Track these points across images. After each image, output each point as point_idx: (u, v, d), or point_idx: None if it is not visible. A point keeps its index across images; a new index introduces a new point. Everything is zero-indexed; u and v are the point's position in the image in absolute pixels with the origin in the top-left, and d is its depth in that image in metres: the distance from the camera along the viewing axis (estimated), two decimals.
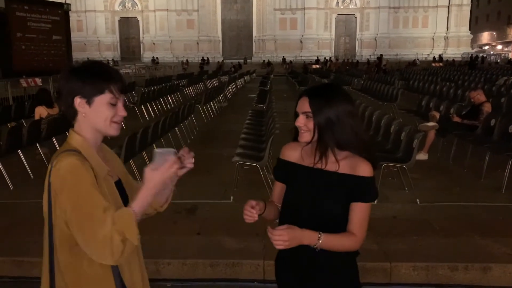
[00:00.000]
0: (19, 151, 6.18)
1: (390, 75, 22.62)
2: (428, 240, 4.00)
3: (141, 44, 60.44)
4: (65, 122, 7.46)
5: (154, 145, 6.18)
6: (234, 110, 13.52)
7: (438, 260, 3.65)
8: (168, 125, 7.18)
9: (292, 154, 1.81)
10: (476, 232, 4.17)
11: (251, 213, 1.71)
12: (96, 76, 1.44)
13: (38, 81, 15.33)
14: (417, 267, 3.58)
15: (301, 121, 1.68)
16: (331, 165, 1.68)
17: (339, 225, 1.67)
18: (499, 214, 4.70)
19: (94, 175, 1.42)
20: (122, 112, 1.49)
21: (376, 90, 14.26)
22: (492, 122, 6.52)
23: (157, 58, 51.33)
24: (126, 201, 1.54)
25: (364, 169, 1.65)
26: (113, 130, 1.49)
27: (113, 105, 1.46)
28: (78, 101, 1.45)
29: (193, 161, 1.49)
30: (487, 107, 7.00)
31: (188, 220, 4.51)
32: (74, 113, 1.48)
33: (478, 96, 7.19)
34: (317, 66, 39.86)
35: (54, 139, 7.10)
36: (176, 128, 7.98)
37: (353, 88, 16.91)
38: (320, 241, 1.60)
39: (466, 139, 6.76)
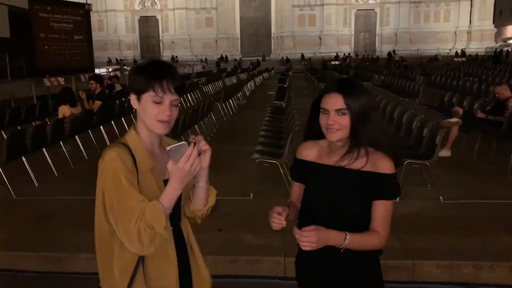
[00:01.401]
0: (44, 149, 6.32)
1: (411, 70, 22.26)
2: (451, 238, 3.92)
3: (161, 43, 61.03)
4: (87, 120, 7.60)
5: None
6: (253, 107, 13.53)
7: (462, 258, 3.57)
8: (188, 123, 7.23)
9: (309, 153, 1.78)
10: (502, 230, 4.07)
11: (279, 220, 1.64)
12: (145, 73, 1.49)
13: (61, 80, 15.63)
14: (440, 265, 3.51)
15: (333, 119, 1.62)
16: (355, 163, 1.65)
17: (361, 224, 1.64)
18: None
19: (134, 168, 1.47)
20: (165, 111, 1.48)
21: (397, 85, 14.06)
22: None
23: (176, 56, 51.77)
24: (179, 200, 1.55)
25: (386, 166, 1.61)
26: (158, 128, 1.51)
27: (159, 103, 1.48)
28: (132, 97, 1.53)
29: (205, 143, 1.49)
30: None
31: (209, 216, 4.54)
32: (134, 108, 1.55)
33: (503, 91, 7.00)
34: (336, 62, 39.55)
35: (77, 137, 7.24)
36: (195, 126, 8.04)
37: (374, 84, 16.71)
38: (347, 241, 1.57)
39: (490, 135, 6.60)
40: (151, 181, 1.51)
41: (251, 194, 5.17)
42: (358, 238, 1.59)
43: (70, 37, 24.24)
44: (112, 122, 8.64)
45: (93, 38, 28.01)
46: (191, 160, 1.42)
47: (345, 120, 1.61)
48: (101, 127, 8.04)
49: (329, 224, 1.59)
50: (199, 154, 1.46)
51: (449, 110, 7.65)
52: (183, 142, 1.44)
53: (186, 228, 1.71)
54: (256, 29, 60.78)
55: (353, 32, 59.39)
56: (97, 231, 1.54)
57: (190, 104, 14.22)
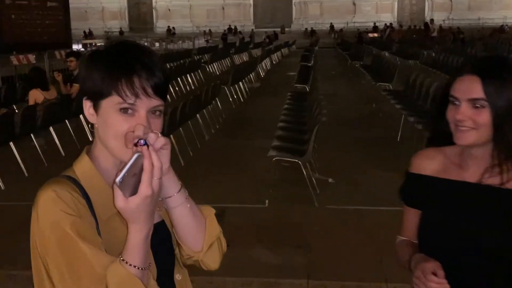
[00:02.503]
0: (11, 143, 6.43)
1: (470, 45, 21.98)
2: None
3: (154, 11, 61.21)
4: (64, 108, 7.71)
5: (171, 137, 6.28)
6: (269, 92, 13.54)
7: None
8: (188, 112, 7.28)
9: (429, 164, 1.55)
10: None
11: (441, 285, 1.35)
12: (103, 66, 1.19)
13: (31, 58, 15.82)
14: None
15: (465, 112, 1.38)
16: (507, 181, 1.42)
17: None
18: None
19: (90, 213, 1.20)
20: (139, 130, 1.14)
21: (451, 65, 13.91)
22: None
23: (173, 27, 51.83)
24: (164, 238, 1.34)
25: None
26: (127, 154, 1.14)
27: (128, 114, 1.17)
28: (86, 105, 1.24)
29: (157, 135, 1.14)
30: None
31: None
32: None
33: None
34: (375, 34, 39.17)
35: (51, 128, 7.35)
36: (197, 115, 8.09)
37: (422, 63, 16.57)
38: None
39: None
40: (121, 231, 1.19)
41: (266, 201, 5.21)
42: None
43: (42, 3, 24.45)
44: None
45: (71, 5, 28.22)
46: (151, 173, 1.10)
47: (483, 116, 1.38)
48: (81, 116, 8.14)
49: (470, 270, 1.44)
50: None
51: None
52: (135, 155, 1.10)
53: (185, 281, 1.42)
54: None
55: None
56: None
57: (190, 88, 14.29)
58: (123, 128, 1.16)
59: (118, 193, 1.08)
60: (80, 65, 1.30)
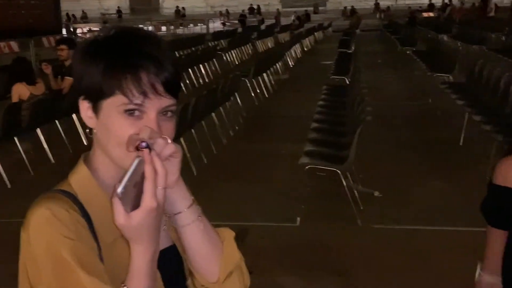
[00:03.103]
0: None
1: None
2: None
3: None
4: (54, 106, 7.81)
5: (182, 140, 6.33)
6: (299, 85, 13.54)
7: None
8: (202, 110, 7.32)
9: None
10: None
11: None
12: (103, 58, 1.19)
13: (15, 46, 16.10)
14: None
15: None
16: None
17: None
18: None
19: (90, 235, 1.21)
20: (144, 133, 1.14)
21: None
22: None
23: (183, 8, 52.16)
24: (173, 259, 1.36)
25: None
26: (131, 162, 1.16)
27: (136, 116, 1.18)
28: (82, 106, 1.25)
29: (166, 140, 1.16)
30: None
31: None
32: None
33: None
34: (430, 14, 38.78)
35: (38, 130, 7.46)
36: (213, 114, 8.14)
37: (489, 49, 16.36)
38: None
39: None
40: (121, 256, 1.22)
41: (298, 219, 5.20)
42: None
43: None
44: None
45: None
46: (154, 182, 1.11)
47: None
48: (75, 115, 8.26)
49: None
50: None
51: None
52: (136, 160, 1.11)
53: None
54: None
55: None
56: None
57: (204, 81, 14.37)
58: (128, 133, 1.16)
59: (119, 208, 1.08)
60: (74, 57, 1.26)
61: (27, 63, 8.30)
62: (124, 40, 1.21)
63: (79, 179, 1.28)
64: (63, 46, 8.59)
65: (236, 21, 39.22)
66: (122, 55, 1.18)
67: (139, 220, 1.10)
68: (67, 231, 1.16)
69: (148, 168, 1.10)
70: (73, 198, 1.23)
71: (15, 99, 7.57)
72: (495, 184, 1.58)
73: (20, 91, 7.61)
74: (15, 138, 7.03)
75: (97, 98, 1.20)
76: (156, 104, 1.17)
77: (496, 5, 38.83)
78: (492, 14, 34.55)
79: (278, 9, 46.24)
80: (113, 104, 1.18)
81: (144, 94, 1.16)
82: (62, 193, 1.23)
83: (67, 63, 8.56)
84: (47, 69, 8.55)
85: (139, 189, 1.10)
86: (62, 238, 1.15)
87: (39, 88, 7.86)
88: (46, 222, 1.17)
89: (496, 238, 1.60)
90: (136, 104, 1.16)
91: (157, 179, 1.11)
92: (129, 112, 1.17)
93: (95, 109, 1.21)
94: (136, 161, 1.09)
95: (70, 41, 9.52)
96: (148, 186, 1.09)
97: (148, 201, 1.09)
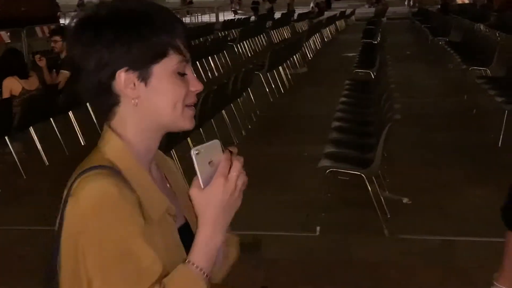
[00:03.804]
0: None
1: None
2: None
3: None
4: (48, 102, 7.84)
5: (189, 140, 6.35)
6: (319, 80, 13.54)
7: None
8: (211, 108, 7.32)
9: None
10: None
11: None
12: (149, 27, 1.37)
13: (5, 36, 16.18)
14: None
15: None
16: None
17: None
18: None
19: (141, 212, 1.34)
20: (197, 86, 1.44)
21: None
22: None
23: None
24: None
25: None
26: (188, 120, 1.44)
27: (182, 74, 1.41)
28: (124, 78, 1.37)
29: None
30: None
31: (248, 263, 4.60)
32: (112, 101, 1.41)
33: None
34: (466, 0, 38.58)
35: (31, 129, 7.48)
36: (223, 112, 8.14)
37: None
38: None
39: None
40: (168, 234, 1.42)
41: (317, 228, 5.19)
42: None
43: None
44: (88, 105, 8.88)
45: None
46: (237, 173, 1.36)
47: None
48: (71, 112, 8.28)
49: None
50: None
51: None
52: (216, 140, 1.41)
53: None
54: None
55: None
56: None
57: (213, 75, 14.41)
58: (182, 93, 1.40)
59: (196, 182, 1.34)
60: (89, 35, 1.37)
61: (19, 55, 8.35)
62: (153, 6, 1.42)
63: (116, 152, 1.41)
64: (57, 37, 8.64)
65: (249, 9, 39.26)
66: (166, 18, 1.41)
67: (208, 198, 1.34)
68: (128, 205, 1.31)
69: (227, 158, 1.37)
70: (119, 174, 1.36)
71: (6, 94, 7.63)
72: None
73: (12, 85, 7.67)
74: (6, 138, 7.04)
75: (146, 64, 1.37)
76: (189, 62, 1.44)
77: None
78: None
79: None
80: (167, 65, 1.39)
81: (188, 54, 1.42)
82: (108, 168, 1.35)
83: (63, 55, 8.59)
84: (41, 62, 8.59)
85: (214, 170, 1.35)
86: (127, 211, 1.31)
87: (32, 83, 7.91)
88: (114, 197, 1.30)
89: None
90: (185, 63, 1.41)
91: (224, 172, 1.35)
92: (180, 73, 1.40)
93: (143, 77, 1.38)
94: (217, 146, 1.39)
95: (65, 31, 9.55)
96: (221, 176, 1.34)
97: (217, 183, 1.34)
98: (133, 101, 1.39)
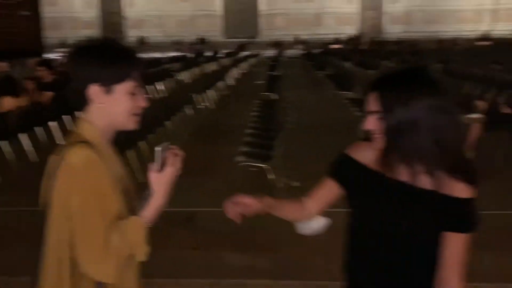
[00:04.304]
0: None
1: (425, 57, 22.51)
2: (474, 258, 3.99)
3: (125, 21, 60.56)
4: (35, 114, 7.54)
5: (145, 142, 6.22)
6: (237, 100, 13.57)
7: (485, 279, 3.65)
8: (159, 119, 7.21)
9: (365, 155, 1.66)
10: None
11: (232, 211, 1.77)
12: (118, 59, 1.51)
13: (5, 65, 15.45)
14: None
15: (371, 123, 1.56)
16: (417, 180, 1.54)
17: (429, 259, 1.58)
18: None
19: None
20: (143, 103, 1.57)
21: None
22: None
23: (144, 37, 51.44)
24: None
25: (457, 188, 1.52)
26: (132, 124, 1.57)
27: (133, 94, 1.54)
28: (95, 90, 1.51)
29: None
30: None
31: (184, 232, 4.55)
32: (85, 102, 1.54)
33: None
34: (338, 46, 39.68)
35: (23, 135, 7.16)
36: (167, 122, 8.02)
37: (380, 73, 16.81)
38: None
39: None
40: (115, 196, 1.52)
41: (240, 216, 5.16)
42: None
43: (12, 12, 23.92)
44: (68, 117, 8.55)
45: (44, 15, 27.72)
46: (178, 164, 1.53)
47: (383, 125, 1.55)
48: (52, 123, 7.97)
49: (384, 250, 1.60)
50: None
51: (470, 105, 7.77)
52: (166, 143, 1.54)
53: None
54: (242, 6, 60.74)
55: (357, 10, 59.75)
56: (51, 256, 1.51)
57: (161, 95, 14.19)
58: (131, 106, 1.53)
59: (155, 167, 1.49)
60: (80, 58, 1.53)
61: (13, 80, 8.04)
62: (121, 46, 1.56)
63: (91, 134, 1.51)
64: (42, 68, 8.45)
65: (188, 48, 38.92)
66: (130, 55, 1.54)
67: (161, 179, 1.50)
68: (104, 168, 1.46)
69: (172, 154, 1.52)
70: (93, 148, 1.48)
71: (2, 109, 7.35)
72: (343, 153, 1.79)
73: (7, 102, 7.40)
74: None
75: (113, 83, 1.50)
76: (141, 87, 1.57)
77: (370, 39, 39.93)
78: (364, 47, 35.27)
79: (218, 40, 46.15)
80: (124, 87, 1.51)
81: (141, 82, 1.56)
82: (87, 144, 1.47)
83: (46, 80, 8.38)
84: (30, 85, 8.36)
85: (165, 161, 1.51)
86: (105, 171, 1.46)
87: (23, 100, 7.66)
88: (97, 161, 1.44)
89: (327, 187, 1.86)
90: (138, 87, 1.54)
91: (175, 162, 1.53)
92: (133, 93, 1.53)
93: (107, 91, 1.51)
94: (167, 147, 1.51)
95: (49, 62, 9.33)
96: (170, 167, 1.51)
97: (169, 171, 1.51)
98: (99, 105, 1.52)
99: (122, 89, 1.52)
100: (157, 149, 1.50)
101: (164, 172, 1.50)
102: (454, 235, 1.55)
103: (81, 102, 1.55)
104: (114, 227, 1.44)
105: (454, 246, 1.56)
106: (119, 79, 1.50)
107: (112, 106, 1.53)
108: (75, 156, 1.43)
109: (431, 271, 1.59)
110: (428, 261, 1.58)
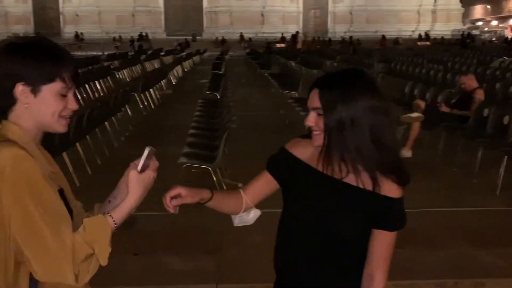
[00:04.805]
0: None
1: (368, 56, 23.17)
2: (412, 253, 4.15)
3: (61, 16, 58.63)
4: None
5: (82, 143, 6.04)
6: (180, 99, 13.43)
7: (424, 276, 3.80)
8: (96, 119, 7.03)
9: (303, 151, 1.73)
10: (467, 242, 4.38)
11: (167, 205, 1.76)
12: (46, 59, 1.44)
13: None
14: (399, 285, 3.70)
15: (311, 120, 1.61)
16: (350, 178, 1.61)
17: (353, 253, 1.65)
18: (494, 220, 4.94)
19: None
20: (73, 105, 1.50)
21: None
22: (485, 112, 6.84)
23: (81, 33, 50.04)
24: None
25: (390, 188, 1.60)
26: (61, 126, 1.50)
27: (63, 96, 1.47)
28: (21, 89, 1.43)
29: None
30: (480, 95, 7.33)
31: (123, 237, 4.45)
32: (11, 102, 1.45)
33: (469, 81, 7.51)
34: (282, 44, 40.13)
35: None
36: (106, 123, 7.83)
37: (325, 72, 17.14)
38: None
39: (456, 133, 7.05)
40: (54, 188, 1.45)
41: (177, 208, 5.11)
42: None
43: None
44: None
45: None
46: (154, 168, 1.56)
47: (322, 122, 1.60)
48: None
49: (314, 245, 1.66)
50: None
51: (410, 103, 8.07)
52: (153, 150, 1.56)
53: None
54: (185, 2, 60.25)
55: (301, 9, 60.67)
56: None
57: (99, 94, 13.80)
58: (60, 107, 1.47)
59: (137, 166, 1.51)
60: (4, 56, 1.46)
61: None
62: (51, 44, 1.49)
63: (15, 134, 1.44)
64: None
65: (128, 45, 38.16)
66: (59, 54, 1.47)
67: (142, 178, 1.51)
68: (34, 163, 1.38)
69: (153, 162, 1.56)
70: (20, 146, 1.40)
71: None
72: (283, 147, 1.89)
73: None
74: None
75: (39, 83, 1.43)
76: (72, 88, 1.50)
77: (314, 38, 40.91)
78: (300, 46, 35.89)
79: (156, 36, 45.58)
80: (52, 88, 1.44)
81: (71, 83, 1.48)
82: (13, 142, 1.40)
83: None
84: None
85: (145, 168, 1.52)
86: (37, 169, 1.37)
87: None
88: (25, 157, 1.36)
89: (263, 180, 1.95)
90: (68, 89, 1.47)
91: (154, 168, 1.56)
92: (62, 95, 1.46)
93: (34, 91, 1.44)
94: (146, 151, 1.52)
95: None
96: (153, 169, 1.55)
97: (150, 173, 1.54)
98: (24, 105, 1.45)
99: (50, 89, 1.45)
100: (148, 149, 1.50)
101: (144, 174, 1.50)
102: (382, 233, 1.62)
103: (6, 102, 1.47)
104: (65, 223, 1.36)
105: (382, 243, 1.63)
106: (47, 79, 1.43)
107: (39, 107, 1.45)
108: (3, 154, 1.34)
109: (358, 266, 1.66)
110: (356, 257, 1.65)
